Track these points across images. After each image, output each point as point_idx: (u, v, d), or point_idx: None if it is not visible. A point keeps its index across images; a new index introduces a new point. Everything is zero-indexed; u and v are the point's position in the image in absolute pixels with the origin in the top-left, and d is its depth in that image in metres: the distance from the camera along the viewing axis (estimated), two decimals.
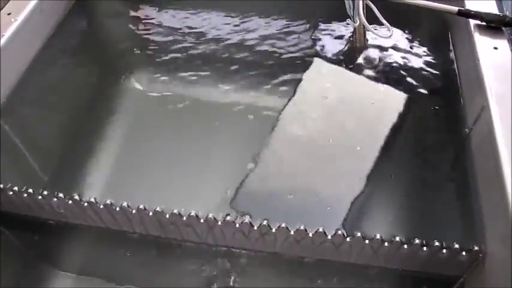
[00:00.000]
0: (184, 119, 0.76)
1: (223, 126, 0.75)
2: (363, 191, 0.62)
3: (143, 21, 0.87)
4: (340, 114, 0.71)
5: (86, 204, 0.55)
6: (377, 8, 0.69)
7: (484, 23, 0.63)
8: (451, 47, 0.71)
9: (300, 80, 0.76)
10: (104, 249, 0.64)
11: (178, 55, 0.83)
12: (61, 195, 0.55)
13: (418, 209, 0.60)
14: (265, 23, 0.85)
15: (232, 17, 0.87)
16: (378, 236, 0.51)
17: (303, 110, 0.73)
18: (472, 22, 0.64)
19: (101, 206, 0.55)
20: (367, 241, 0.51)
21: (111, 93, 0.80)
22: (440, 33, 0.73)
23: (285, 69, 0.79)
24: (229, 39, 0.84)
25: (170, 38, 0.85)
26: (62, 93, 0.75)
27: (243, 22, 0.85)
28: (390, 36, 0.69)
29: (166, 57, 0.83)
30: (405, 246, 0.51)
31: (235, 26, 0.85)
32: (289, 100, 0.74)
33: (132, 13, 0.88)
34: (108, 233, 0.61)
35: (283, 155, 0.67)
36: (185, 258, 0.61)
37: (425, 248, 0.50)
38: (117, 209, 0.55)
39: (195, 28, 0.86)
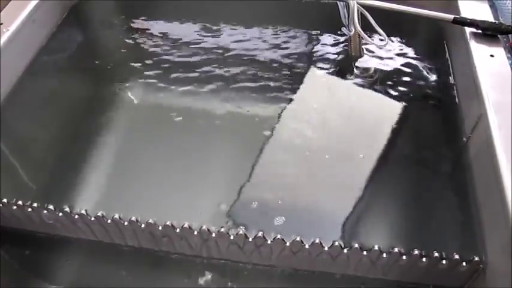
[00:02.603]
0: (179, 130, 0.75)
1: (218, 137, 0.73)
2: (361, 201, 0.61)
3: (137, 31, 0.87)
4: (337, 123, 0.70)
5: (76, 216, 0.54)
6: (372, 16, 0.69)
7: (479, 31, 0.63)
8: (447, 55, 0.71)
9: (296, 90, 0.75)
10: (96, 262, 0.62)
11: (173, 66, 0.82)
12: (51, 207, 0.54)
13: (416, 219, 0.58)
14: (261, 33, 0.84)
15: (228, 27, 0.86)
16: (376, 247, 0.49)
17: (299, 120, 0.72)
18: (468, 30, 0.64)
19: (92, 218, 0.54)
20: (365, 252, 0.50)
21: (105, 104, 0.78)
22: (435, 41, 0.73)
23: (281, 79, 0.78)
24: (224, 49, 0.83)
25: (165, 48, 0.84)
26: (55, 103, 0.74)
27: (239, 32, 0.85)
28: (385, 44, 0.68)
29: (161, 68, 0.82)
30: (404, 257, 0.50)
31: (231, 36, 0.85)
32: (285, 110, 0.73)
33: (126, 24, 0.88)
34: (101, 246, 0.60)
35: (279, 165, 0.66)
36: (179, 271, 0.59)
37: (424, 259, 0.49)
38: (109, 221, 0.53)
39: (190, 39, 0.85)
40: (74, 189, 0.66)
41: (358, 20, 0.69)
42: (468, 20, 0.63)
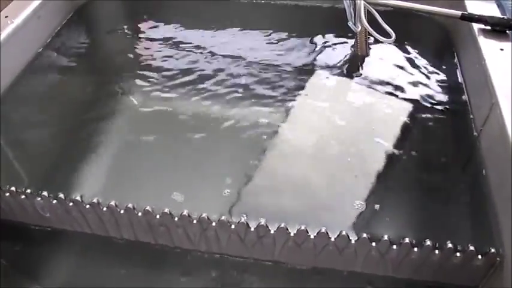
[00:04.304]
0: (181, 132, 0.73)
1: (220, 137, 0.71)
2: (370, 197, 0.58)
3: (141, 35, 0.87)
4: (343, 124, 0.68)
5: (71, 204, 0.52)
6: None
7: (488, 27, 0.62)
8: (454, 54, 0.70)
9: (301, 91, 0.74)
10: (90, 259, 0.59)
11: (176, 70, 0.82)
12: (45, 193, 0.52)
13: (429, 216, 0.55)
14: (266, 36, 0.84)
15: (232, 31, 0.86)
16: (386, 237, 0.47)
17: (304, 120, 0.70)
18: (476, 27, 0.63)
19: (87, 206, 0.51)
20: (373, 244, 0.47)
21: (106, 105, 0.77)
22: (442, 41, 0.72)
23: (286, 81, 0.77)
24: (227, 53, 0.83)
25: (168, 52, 0.84)
26: (54, 101, 0.73)
27: (242, 35, 0.85)
28: (392, 40, 0.67)
29: (164, 72, 0.82)
30: (416, 249, 0.47)
31: (235, 39, 0.84)
32: (290, 111, 0.71)
33: (131, 27, 0.88)
34: (95, 240, 0.57)
35: (283, 163, 0.64)
36: (177, 269, 0.56)
37: (437, 252, 0.46)
38: (104, 209, 0.51)
39: (194, 42, 0.85)
40: (73, 187, 0.64)
41: (365, 16, 0.68)
42: (476, 16, 0.62)
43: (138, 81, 0.80)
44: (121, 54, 0.85)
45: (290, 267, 0.53)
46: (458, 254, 0.46)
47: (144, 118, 0.75)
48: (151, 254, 0.56)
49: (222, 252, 0.54)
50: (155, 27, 0.88)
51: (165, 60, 0.83)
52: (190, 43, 0.85)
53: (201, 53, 0.83)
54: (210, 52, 0.83)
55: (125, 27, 0.87)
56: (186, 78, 0.80)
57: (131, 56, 0.84)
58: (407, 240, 0.46)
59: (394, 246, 0.47)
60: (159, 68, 0.82)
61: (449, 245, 0.46)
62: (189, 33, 0.87)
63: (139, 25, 0.88)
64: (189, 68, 0.81)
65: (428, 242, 0.46)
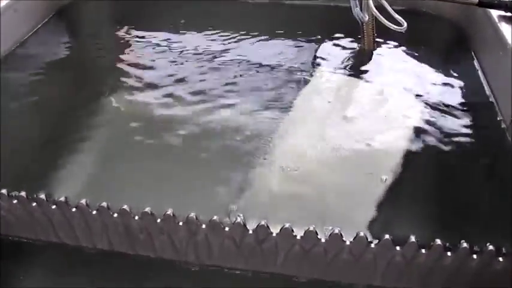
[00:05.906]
0: (164, 134, 0.66)
1: (217, 139, 0.64)
2: (391, 195, 0.51)
3: (124, 39, 0.82)
4: (348, 119, 0.62)
5: (34, 204, 0.43)
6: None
7: (508, 13, 0.57)
8: (469, 49, 0.65)
9: (303, 88, 0.68)
10: (57, 278, 0.50)
11: (159, 73, 0.76)
12: (4, 191, 0.44)
13: (461, 214, 0.48)
14: (267, 37, 0.79)
15: (224, 32, 0.81)
16: (413, 239, 0.38)
17: (306, 118, 0.64)
18: (495, 14, 0.58)
19: (53, 207, 0.43)
20: (398, 248, 0.39)
21: (89, 109, 0.71)
22: (455, 35, 0.68)
23: (288, 79, 0.71)
24: (218, 54, 0.77)
25: (151, 56, 0.79)
26: (31, 100, 0.66)
27: (238, 37, 0.80)
28: (404, 28, 0.62)
29: (147, 75, 0.75)
30: (449, 253, 0.38)
31: (229, 41, 0.79)
32: (291, 109, 0.65)
33: (114, 31, 0.83)
34: (64, 253, 0.48)
35: (286, 161, 0.57)
36: (161, 285, 0.47)
37: (475, 256, 0.38)
38: (73, 209, 0.43)
39: (178, 46, 0.80)
40: (43, 189, 0.56)
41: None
42: (495, 2, 0.57)
43: (119, 85, 0.74)
44: (102, 57, 0.80)
45: (295, 280, 0.45)
46: (500, 259, 0.38)
47: (125, 121, 0.69)
48: (129, 268, 0.47)
49: (214, 263, 0.45)
50: (137, 30, 0.83)
51: (149, 64, 0.78)
52: (175, 46, 0.80)
53: (187, 55, 0.78)
54: (196, 54, 0.78)
55: (108, 29, 0.82)
56: (170, 82, 0.74)
57: (113, 59, 0.79)
58: (439, 242, 0.38)
59: (423, 251, 0.39)
60: (142, 72, 0.76)
61: (490, 248, 0.38)
62: (172, 36, 0.82)
63: (122, 29, 0.83)
64: (173, 71, 0.76)
65: (464, 244, 0.38)
